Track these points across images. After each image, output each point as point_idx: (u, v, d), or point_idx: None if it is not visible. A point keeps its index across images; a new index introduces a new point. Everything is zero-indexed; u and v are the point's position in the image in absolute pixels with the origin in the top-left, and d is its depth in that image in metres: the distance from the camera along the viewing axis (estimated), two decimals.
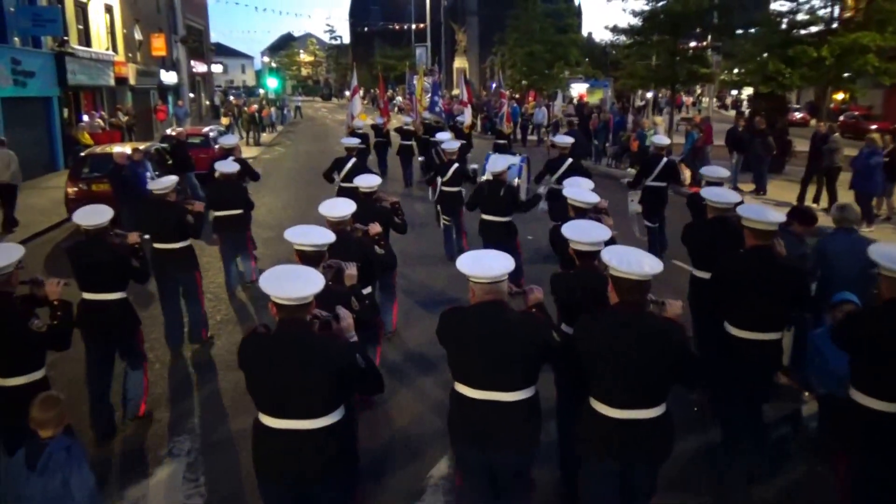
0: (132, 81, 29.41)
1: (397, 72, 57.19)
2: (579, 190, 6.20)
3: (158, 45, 32.14)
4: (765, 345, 4.92)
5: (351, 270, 4.89)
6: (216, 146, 19.17)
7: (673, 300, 3.89)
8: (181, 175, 15.10)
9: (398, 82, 56.48)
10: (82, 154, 15.42)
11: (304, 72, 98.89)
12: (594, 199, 6.02)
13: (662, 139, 11.80)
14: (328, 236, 4.73)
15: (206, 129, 20.76)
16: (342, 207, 5.88)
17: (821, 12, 18.56)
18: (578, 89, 43.01)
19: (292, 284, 3.56)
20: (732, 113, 50.87)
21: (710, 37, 23.23)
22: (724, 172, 7.94)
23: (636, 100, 50.40)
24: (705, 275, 5.87)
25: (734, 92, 58.48)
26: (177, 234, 7.58)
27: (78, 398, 6.08)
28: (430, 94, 20.97)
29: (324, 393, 3.51)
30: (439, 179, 11.91)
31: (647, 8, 21.60)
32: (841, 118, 35.77)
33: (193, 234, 7.73)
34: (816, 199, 15.74)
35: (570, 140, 11.17)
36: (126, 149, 13.44)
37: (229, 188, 9.49)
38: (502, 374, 3.71)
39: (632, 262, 3.65)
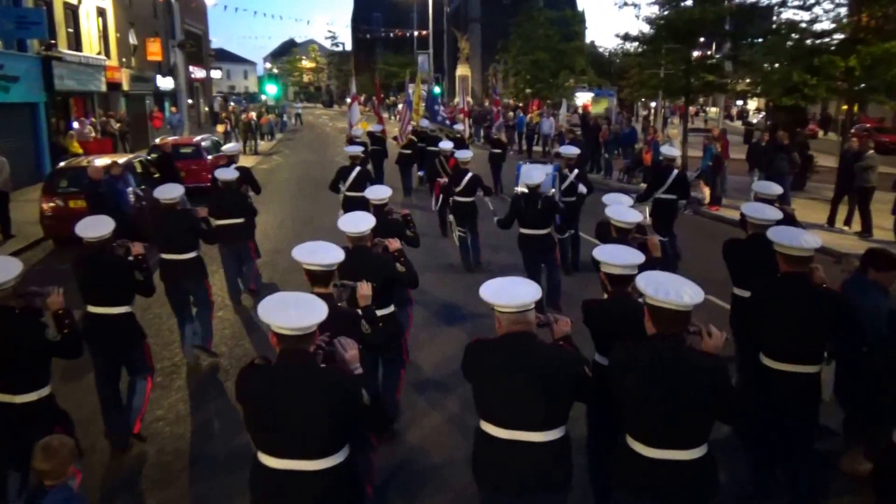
0: (126, 87, 28.28)
1: (399, 79, 56.21)
2: (621, 209, 5.97)
3: (154, 50, 30.98)
4: (800, 378, 4.60)
5: (364, 290, 4.62)
6: (209, 157, 18.21)
7: (715, 330, 3.52)
8: None
9: (400, 89, 55.56)
10: (60, 166, 14.23)
11: (305, 78, 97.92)
12: (637, 217, 5.84)
13: (673, 150, 11.42)
14: (338, 255, 4.46)
15: (197, 139, 19.49)
16: (363, 222, 5.59)
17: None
18: (583, 98, 41.97)
19: (294, 313, 3.29)
20: (738, 124, 49.98)
21: (726, 45, 22.04)
22: (778, 189, 7.47)
23: (639, 109, 49.49)
24: (746, 293, 5.55)
25: (739, 102, 57.42)
26: (187, 245, 7.37)
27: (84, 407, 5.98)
28: (425, 103, 20.42)
29: (325, 431, 3.26)
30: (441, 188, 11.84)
31: (662, 14, 20.39)
32: (852, 130, 34.72)
33: (210, 240, 7.68)
34: (847, 222, 14.52)
35: (576, 151, 11.05)
36: (104, 162, 12.27)
37: (230, 196, 9.24)
38: (531, 412, 3.46)
39: (670, 290, 3.35)
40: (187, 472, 5.69)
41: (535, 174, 8.87)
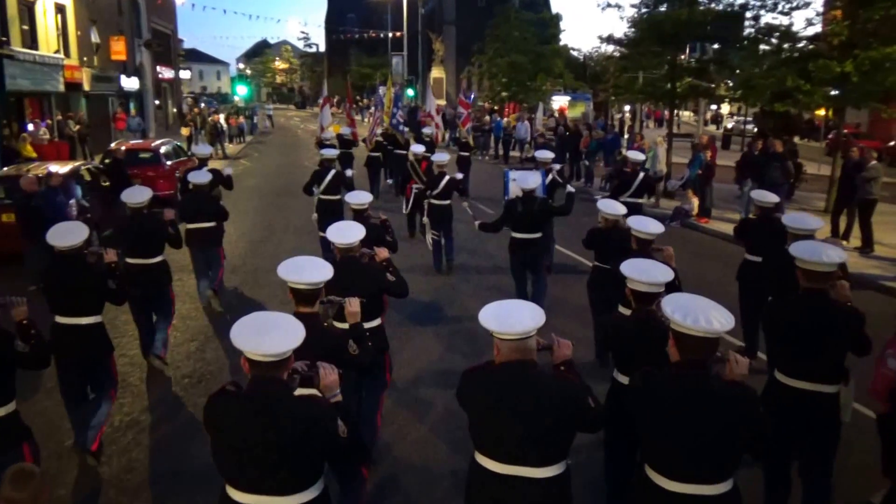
0: (87, 87, 26.63)
1: (373, 81, 54.98)
2: (643, 219, 5.91)
3: (118, 49, 29.29)
4: (816, 397, 4.40)
5: (353, 307, 4.32)
6: (168, 163, 16.80)
7: (739, 357, 3.27)
8: (118, 199, 12.72)
9: (374, 91, 54.29)
10: None
11: (278, 79, 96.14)
12: (659, 229, 5.76)
13: (638, 154, 11.47)
14: (326, 272, 4.12)
15: (156, 143, 17.94)
16: (353, 233, 5.35)
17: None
18: (559, 102, 41.03)
19: (268, 338, 3.00)
20: (713, 128, 49.38)
21: (709, 49, 21.12)
22: (775, 197, 7.61)
23: (613, 113, 48.77)
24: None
25: (713, 106, 56.88)
26: (153, 249, 7.22)
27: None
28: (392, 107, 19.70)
29: (296, 465, 2.98)
30: (414, 190, 11.76)
31: (646, 15, 19.37)
32: (830, 136, 34.27)
33: (176, 244, 7.52)
34: (846, 236, 13.57)
35: (550, 155, 11.06)
36: (44, 171, 10.89)
37: (202, 199, 9.11)
38: (530, 446, 3.20)
39: (699, 316, 3.11)
40: (152, 485, 5.47)
41: (531, 179, 8.67)
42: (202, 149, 11.81)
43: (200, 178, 9.23)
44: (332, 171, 10.85)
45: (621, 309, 6.01)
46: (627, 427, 3.64)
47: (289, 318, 3.23)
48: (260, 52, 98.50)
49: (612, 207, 7.02)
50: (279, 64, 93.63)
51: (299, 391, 3.21)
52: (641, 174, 10.70)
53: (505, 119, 32.01)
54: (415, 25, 56.17)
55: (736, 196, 18.05)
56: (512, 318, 3.28)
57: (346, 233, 5.35)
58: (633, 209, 9.98)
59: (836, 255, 4.42)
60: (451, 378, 7.44)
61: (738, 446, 3.10)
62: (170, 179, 16.12)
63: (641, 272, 4.25)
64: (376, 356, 4.68)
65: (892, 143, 33.32)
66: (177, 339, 8.32)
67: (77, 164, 13.27)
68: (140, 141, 20.35)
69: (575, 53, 53.81)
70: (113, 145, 15.90)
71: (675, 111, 21.29)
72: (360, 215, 6.78)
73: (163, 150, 17.07)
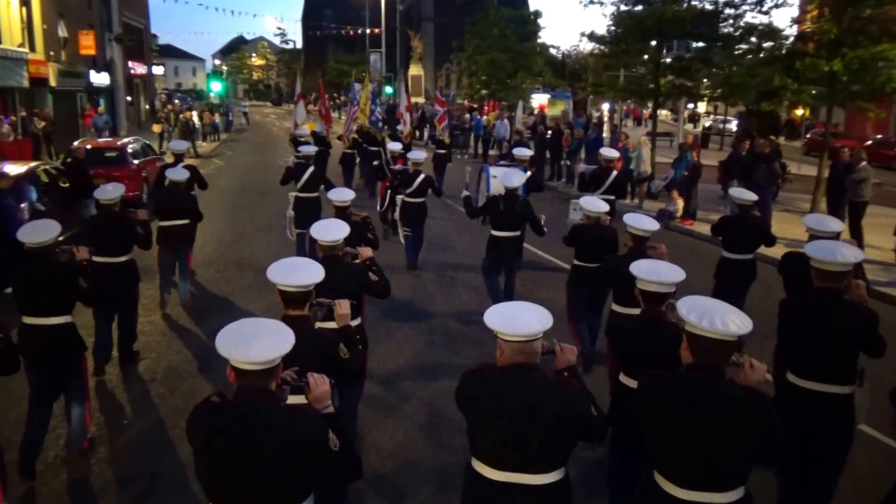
0: (53, 83, 25.61)
1: (351, 78, 54.00)
2: (639, 216, 5.93)
3: (87, 44, 28.26)
4: (828, 398, 4.35)
5: (343, 310, 4.20)
6: (135, 162, 15.99)
7: (755, 361, 3.13)
8: (78, 201, 12.00)
9: (350, 89, 53.36)
10: None
11: (255, 76, 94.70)
12: (654, 226, 5.82)
13: (611, 152, 11.38)
14: (318, 274, 4.00)
15: (123, 142, 17.05)
16: (338, 230, 5.30)
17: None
18: (539, 100, 40.54)
19: (255, 345, 2.80)
20: (690, 127, 49.21)
21: (692, 47, 20.66)
22: (753, 195, 7.70)
23: (592, 112, 48.43)
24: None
25: (690, 105, 56.79)
26: (122, 247, 7.11)
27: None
28: (371, 104, 19.74)
29: (285, 482, 2.81)
30: (387, 189, 11.74)
31: (628, 11, 18.87)
32: (808, 135, 34.21)
33: (145, 245, 7.32)
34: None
35: (528, 152, 11.08)
36: None
37: (177, 196, 8.89)
38: (530, 454, 3.07)
39: (715, 318, 2.97)
40: (126, 487, 5.31)
41: (514, 177, 8.53)
42: (178, 144, 11.36)
43: (178, 174, 8.99)
44: (311, 168, 10.62)
45: (615, 307, 5.99)
46: (633, 433, 3.59)
47: (277, 325, 3.04)
48: (236, 49, 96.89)
49: (594, 205, 7.04)
50: (255, 60, 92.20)
51: (291, 399, 3.07)
52: (615, 172, 10.69)
53: (484, 117, 31.45)
54: (393, 22, 55.46)
55: (719, 196, 17.66)
56: (518, 320, 3.19)
57: (331, 230, 5.27)
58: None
59: (850, 254, 4.34)
60: (431, 373, 7.39)
61: (751, 454, 2.97)
62: (136, 180, 15.31)
63: (652, 272, 4.15)
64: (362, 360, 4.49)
65: (869, 142, 33.41)
66: (146, 339, 8.13)
67: (34, 164, 12.39)
68: (106, 139, 19.37)
69: (554, 52, 53.59)
70: (76, 144, 15.02)
71: (656, 110, 20.77)
72: (342, 212, 6.67)
73: (130, 148, 16.21)
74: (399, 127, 18.82)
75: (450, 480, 5.29)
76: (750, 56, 18.24)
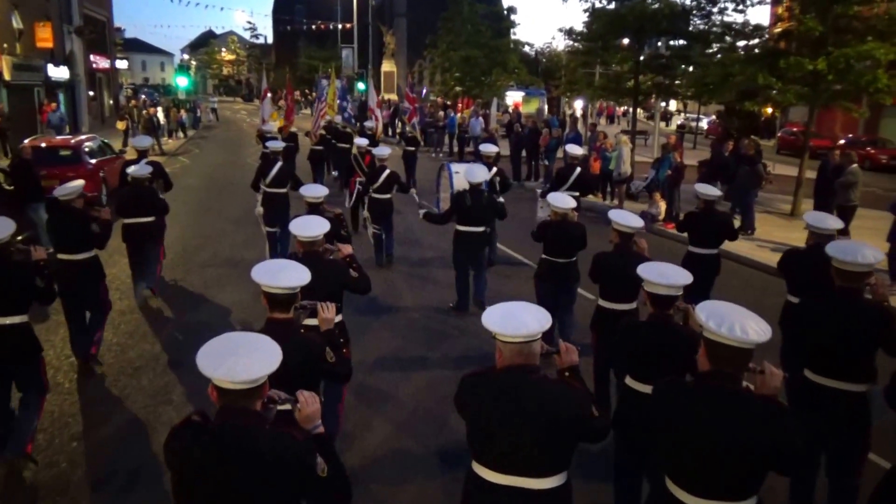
0: (7, 77, 24.23)
1: (321, 73, 53.00)
2: (624, 213, 6.03)
3: (44, 36, 26.87)
4: (845, 395, 4.32)
5: (328, 313, 4.03)
6: (92, 161, 15.01)
7: (774, 369, 3.04)
8: (24, 206, 11.07)
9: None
10: None
11: (225, 71, 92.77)
12: (640, 223, 5.92)
13: (576, 148, 11.52)
14: (305, 275, 3.86)
15: (77, 139, 16.00)
16: (317, 226, 5.24)
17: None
18: (513, 98, 39.93)
19: (239, 363, 2.61)
20: (662, 125, 48.95)
21: (668, 44, 20.16)
22: (716, 191, 8.08)
23: (565, 110, 47.98)
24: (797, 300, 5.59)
25: (662, 103, 56.59)
26: (83, 244, 6.98)
27: None
28: (339, 100, 20.52)
29: None
30: (359, 185, 11.76)
31: (606, 7, 18.27)
32: (779, 134, 34.03)
33: (98, 244, 7.13)
34: None
35: (494, 149, 11.07)
36: None
37: (141, 193, 8.78)
38: (531, 457, 3.00)
39: (734, 325, 2.89)
40: (87, 488, 5.18)
41: (478, 172, 8.64)
42: (141, 140, 11.05)
43: (140, 170, 8.82)
44: (279, 164, 10.46)
45: (602, 303, 6.05)
46: (639, 437, 3.58)
47: (263, 340, 2.83)
48: (206, 43, 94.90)
49: (561, 201, 7.12)
50: (226, 55, 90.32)
51: (281, 404, 2.89)
52: (579, 169, 10.83)
53: (459, 115, 30.76)
54: (365, 17, 54.50)
55: (697, 197, 17.15)
56: (516, 321, 3.09)
57: (311, 226, 5.20)
58: None
59: (871, 255, 4.33)
60: (408, 367, 7.44)
61: (767, 463, 2.87)
62: (93, 180, 14.33)
63: (660, 275, 4.08)
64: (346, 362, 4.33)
65: (842, 142, 33.33)
66: (109, 337, 7.93)
67: None
68: (62, 137, 18.25)
69: (528, 49, 52.94)
70: (25, 142, 14.01)
71: (636, 108, 20.22)
72: (315, 209, 6.64)
73: (86, 147, 15.23)
74: (368, 123, 18.59)
75: (433, 477, 5.37)
76: (720, 55, 17.80)
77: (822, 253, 5.24)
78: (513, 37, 35.52)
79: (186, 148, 28.93)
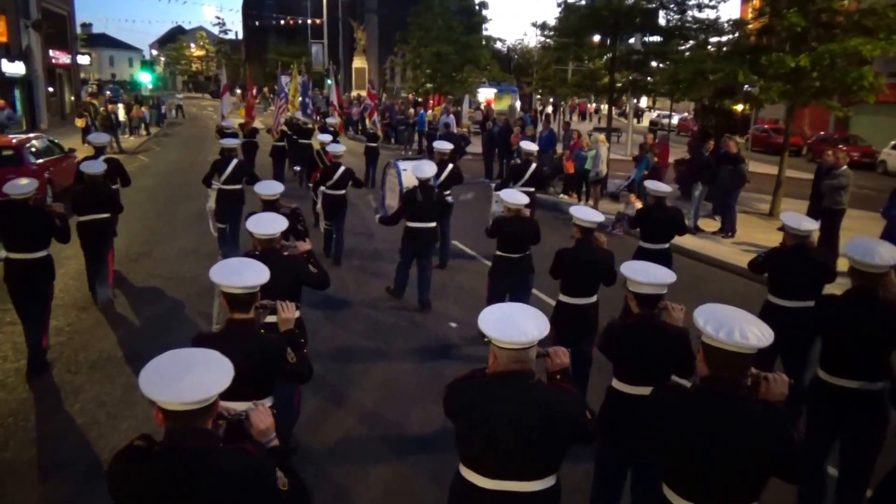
0: None
1: (281, 70, 51.63)
2: (585, 209, 6.13)
3: None
4: (862, 395, 4.28)
5: (288, 313, 3.96)
6: (36, 162, 13.93)
7: (780, 376, 2.98)
8: None
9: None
10: None
11: (195, 67, 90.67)
12: (600, 217, 6.05)
13: (531, 145, 11.60)
14: (264, 274, 3.77)
15: (20, 139, 14.82)
16: (275, 224, 5.18)
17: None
18: (485, 95, 39.12)
19: (187, 382, 2.41)
20: (634, 122, 48.61)
21: (641, 40, 19.51)
22: (667, 187, 8.06)
23: (538, 107, 47.35)
24: (784, 302, 5.67)
25: (633, 100, 56.08)
26: (39, 243, 6.82)
27: None
28: (301, 96, 20.13)
29: None
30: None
31: (582, 2, 17.54)
32: (750, 131, 33.65)
33: (63, 238, 7.09)
34: None
35: (449, 146, 11.13)
36: None
37: (96, 190, 8.67)
38: (526, 460, 2.98)
39: (733, 329, 2.78)
40: (35, 481, 5.12)
41: (426, 168, 8.67)
42: (98, 137, 10.80)
43: (94, 167, 8.67)
44: (234, 161, 10.34)
45: (563, 298, 6.02)
46: (621, 438, 3.63)
47: (210, 355, 2.59)
48: (174, 39, 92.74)
49: (513, 197, 7.15)
50: (195, 51, 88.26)
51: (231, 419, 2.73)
52: (533, 164, 10.90)
53: (429, 111, 29.90)
54: (335, 13, 53.36)
55: (675, 197, 16.49)
56: (515, 327, 2.95)
57: (268, 224, 5.14)
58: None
59: (889, 255, 4.27)
60: (359, 359, 7.47)
61: (768, 470, 2.79)
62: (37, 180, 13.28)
63: (644, 273, 4.03)
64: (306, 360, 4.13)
65: (813, 139, 33.02)
66: (61, 330, 7.94)
67: None
68: (0, 136, 17.04)
69: (499, 45, 52.21)
70: None
71: (611, 106, 19.55)
72: (271, 206, 6.57)
73: (30, 146, 14.13)
74: (330, 119, 18.51)
75: (391, 462, 5.39)
76: (692, 53, 17.23)
77: (804, 253, 5.62)
78: (485, 32, 34.71)
79: (148, 146, 27.62)
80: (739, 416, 2.79)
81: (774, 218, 15.42)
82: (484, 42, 33.67)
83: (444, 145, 10.87)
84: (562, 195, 17.05)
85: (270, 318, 4.21)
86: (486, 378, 3.06)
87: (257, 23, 67.30)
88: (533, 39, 66.14)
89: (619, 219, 13.92)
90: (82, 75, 73.14)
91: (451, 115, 26.62)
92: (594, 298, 6.05)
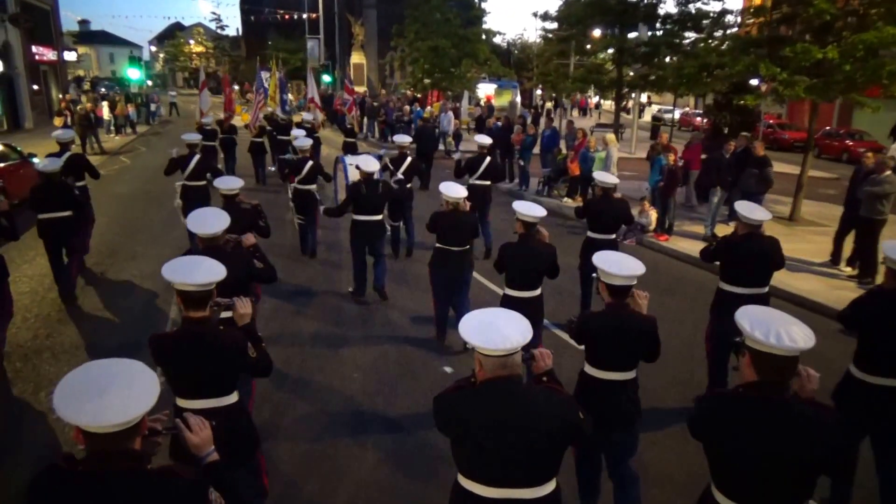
0: None
1: (290, 65, 50.18)
2: (527, 204, 6.15)
3: None
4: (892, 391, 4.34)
5: (244, 308, 3.94)
6: None
7: (811, 371, 2.95)
8: None
9: (293, 77, 49.75)
10: None
11: (195, 63, 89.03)
12: (542, 212, 6.04)
13: (484, 138, 11.57)
14: (219, 271, 3.71)
15: None
16: (217, 222, 5.04)
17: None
18: (485, 90, 37.60)
19: (108, 403, 2.16)
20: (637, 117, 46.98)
21: (645, 32, 17.98)
22: (613, 179, 8.17)
23: (538, 102, 45.80)
24: (734, 289, 5.83)
25: (641, 95, 54.24)
26: None
27: None
28: (280, 92, 20.42)
29: None
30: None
31: None
32: (759, 127, 32.12)
33: (9, 236, 7.05)
34: (852, 262, 10.64)
35: (407, 139, 11.64)
36: None
37: (53, 188, 8.43)
38: (527, 467, 2.89)
39: (781, 334, 2.74)
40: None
41: (371, 162, 8.67)
42: (63, 134, 10.52)
43: (49, 165, 8.56)
44: (196, 157, 10.40)
45: (508, 291, 6.14)
46: (598, 425, 3.59)
47: (134, 368, 2.33)
48: (173, 35, 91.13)
49: (452, 190, 7.20)
50: (194, 47, 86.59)
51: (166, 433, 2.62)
52: (488, 158, 10.92)
53: (427, 108, 28.41)
54: (333, 7, 51.76)
55: (686, 205, 14.97)
56: (498, 334, 2.88)
57: (207, 222, 5.03)
58: (480, 192, 10.55)
59: None
60: (323, 351, 7.50)
61: (819, 471, 2.76)
62: None
63: (615, 265, 4.09)
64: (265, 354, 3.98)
65: (818, 134, 31.44)
66: (26, 320, 7.96)
67: None
68: None
69: (498, 40, 50.59)
70: None
71: (619, 101, 18.03)
72: (230, 201, 6.59)
73: None
74: (307, 115, 18.59)
75: (372, 476, 5.23)
76: (701, 45, 15.73)
77: (755, 242, 5.69)
78: (484, 26, 33.14)
79: (133, 146, 26.14)
80: (793, 420, 2.73)
81: (796, 223, 13.96)
82: (483, 36, 32.13)
83: (403, 139, 11.38)
84: (566, 199, 15.56)
85: (226, 314, 4.16)
86: (475, 388, 2.97)
87: (252, 17, 65.66)
88: (533, 34, 64.24)
89: (630, 228, 12.41)
90: (81, 72, 71.83)
91: (450, 112, 25.22)
92: (538, 291, 6.18)
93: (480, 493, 2.91)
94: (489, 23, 65.45)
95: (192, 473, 2.42)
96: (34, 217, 8.41)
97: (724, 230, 12.81)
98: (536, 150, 17.48)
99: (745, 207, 5.86)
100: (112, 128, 28.42)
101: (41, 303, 8.71)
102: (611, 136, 14.16)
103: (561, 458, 2.98)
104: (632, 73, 16.77)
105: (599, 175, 8.22)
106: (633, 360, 4.10)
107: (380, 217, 8.69)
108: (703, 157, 14.66)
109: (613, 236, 8.10)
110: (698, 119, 40.27)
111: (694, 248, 11.68)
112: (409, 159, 10.73)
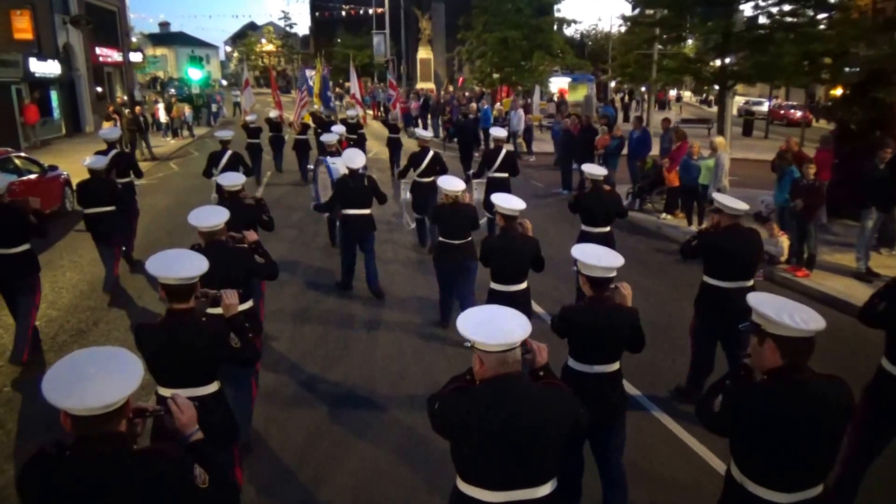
0: None
1: (357, 62, 48.52)
2: (507, 196, 6.16)
3: (21, 26, 22.84)
4: None
5: (230, 299, 3.91)
6: None
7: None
8: None
9: (362, 73, 48.06)
10: None
11: (266, 62, 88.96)
12: (522, 205, 6.00)
13: (500, 131, 11.43)
14: (201, 264, 3.71)
15: None
16: (215, 216, 5.11)
17: None
18: (558, 84, 34.74)
19: (93, 387, 2.23)
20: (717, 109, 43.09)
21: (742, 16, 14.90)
22: (603, 170, 8.16)
23: (614, 96, 42.56)
24: (720, 283, 5.72)
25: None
26: (16, 238, 6.63)
27: None
28: (325, 90, 20.23)
29: None
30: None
31: None
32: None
33: (39, 234, 6.85)
34: None
35: (429, 134, 12.55)
36: None
37: (98, 184, 8.68)
38: (530, 467, 2.76)
39: (797, 316, 2.76)
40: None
41: (356, 157, 8.61)
42: (109, 133, 10.76)
43: (95, 162, 8.75)
44: (228, 153, 10.73)
45: (494, 286, 6.11)
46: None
47: (119, 354, 2.41)
48: (245, 35, 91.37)
49: (450, 184, 7.31)
50: (265, 46, 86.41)
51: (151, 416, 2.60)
52: (504, 150, 10.72)
53: (497, 105, 25.88)
54: (398, 2, 49.74)
55: (816, 223, 11.88)
56: (499, 329, 2.80)
57: (207, 217, 5.08)
58: (499, 183, 10.43)
59: None
60: (347, 332, 7.76)
61: (840, 442, 2.88)
62: None
63: (595, 257, 4.04)
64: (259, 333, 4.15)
65: None
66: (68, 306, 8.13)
67: None
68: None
69: (571, 31, 47.56)
70: None
71: (723, 97, 15.13)
72: (234, 196, 6.61)
73: None
74: (351, 112, 18.37)
75: (367, 480, 5.05)
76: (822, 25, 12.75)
77: (740, 234, 5.67)
78: (556, 14, 30.29)
79: (186, 150, 24.60)
80: (818, 397, 2.75)
81: None
82: (556, 26, 29.29)
83: (423, 134, 11.64)
84: (664, 215, 12.81)
85: (216, 310, 4.05)
86: (476, 386, 2.85)
87: (316, 14, 64.44)
88: (608, 23, 60.69)
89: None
90: (160, 74, 72.28)
91: (520, 110, 22.64)
92: (524, 285, 6.12)
93: (484, 498, 2.76)
94: (563, 11, 62.27)
95: (176, 451, 2.44)
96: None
97: (880, 263, 9.87)
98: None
99: (725, 198, 5.78)
100: (169, 131, 27.02)
101: (91, 294, 8.91)
102: (720, 140, 11.34)
103: (562, 453, 2.88)
104: (736, 62, 13.78)
105: (588, 167, 8.10)
106: (616, 353, 4.07)
107: (368, 211, 8.59)
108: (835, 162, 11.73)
109: (608, 229, 7.87)
110: (791, 112, 36.33)
111: (848, 289, 8.83)
112: (430, 154, 10.74)
